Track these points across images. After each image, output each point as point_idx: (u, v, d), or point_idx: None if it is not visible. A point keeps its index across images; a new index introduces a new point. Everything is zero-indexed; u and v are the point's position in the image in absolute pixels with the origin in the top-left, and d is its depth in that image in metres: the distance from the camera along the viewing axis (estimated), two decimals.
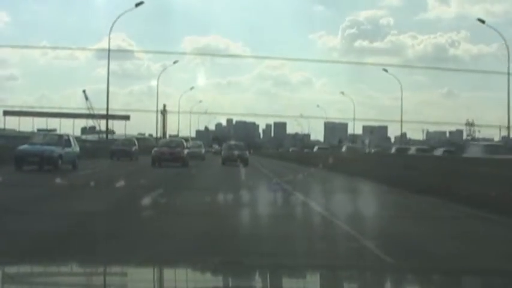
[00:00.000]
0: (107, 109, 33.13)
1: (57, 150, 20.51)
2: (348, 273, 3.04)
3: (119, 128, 78.60)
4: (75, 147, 22.34)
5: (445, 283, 2.79)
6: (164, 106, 74.17)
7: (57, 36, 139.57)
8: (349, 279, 2.89)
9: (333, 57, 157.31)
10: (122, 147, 35.66)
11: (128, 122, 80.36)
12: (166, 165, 25.77)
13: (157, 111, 51.83)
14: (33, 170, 19.70)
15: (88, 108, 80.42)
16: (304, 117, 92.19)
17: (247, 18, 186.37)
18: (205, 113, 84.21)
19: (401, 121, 48.76)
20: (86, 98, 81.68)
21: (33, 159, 20.01)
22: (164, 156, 26.99)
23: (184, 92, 70.53)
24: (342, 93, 68.27)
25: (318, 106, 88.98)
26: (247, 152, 34.69)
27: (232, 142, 40.09)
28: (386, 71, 54.04)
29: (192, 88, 64.96)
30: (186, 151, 29.05)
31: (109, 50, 33.22)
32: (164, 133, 74.47)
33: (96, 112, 79.99)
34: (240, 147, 35.17)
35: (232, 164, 29.92)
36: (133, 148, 35.71)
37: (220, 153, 53.37)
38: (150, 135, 68.61)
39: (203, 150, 41.91)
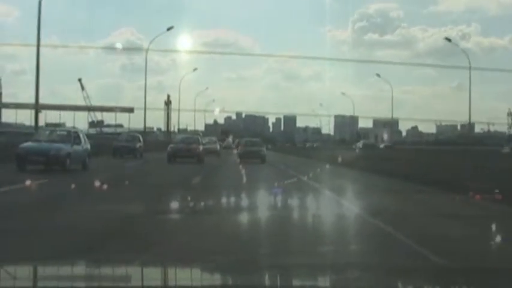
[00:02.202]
0: (36, 100, 29.95)
1: (65, 148, 18.26)
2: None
3: (132, 121, 75.73)
4: (86, 145, 20.02)
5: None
6: (168, 97, 71.10)
7: (66, 30, 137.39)
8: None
9: (343, 50, 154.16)
10: (125, 143, 33.15)
11: (137, 117, 77.54)
12: (180, 162, 25.73)
13: (145, 95, 47.79)
14: (36, 170, 17.40)
15: (84, 98, 77.56)
16: (317, 115, 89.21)
17: (256, 11, 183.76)
18: (212, 103, 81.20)
19: (470, 113, 45.41)
20: (82, 88, 78.61)
21: (37, 158, 17.74)
22: (180, 152, 27.22)
23: (187, 74, 65.70)
24: (378, 75, 62.96)
25: (343, 94, 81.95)
26: (264, 149, 33.57)
27: (249, 138, 39.14)
28: (449, 40, 50.11)
29: (195, 70, 60.84)
30: (201, 147, 28.99)
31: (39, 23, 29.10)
32: (168, 125, 71.77)
33: (93, 104, 77.31)
34: (257, 143, 34.21)
35: (249, 162, 28.93)
36: (138, 144, 33.24)
37: (230, 148, 52.19)
38: (159, 129, 65.67)
39: (218, 147, 41.07)
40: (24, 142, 18.65)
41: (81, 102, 78.06)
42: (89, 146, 20.24)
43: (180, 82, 64.27)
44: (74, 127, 37.39)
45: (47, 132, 20.26)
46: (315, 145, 77.26)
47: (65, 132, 20.20)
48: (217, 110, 74.44)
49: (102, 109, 78.07)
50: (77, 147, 18.96)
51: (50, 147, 17.93)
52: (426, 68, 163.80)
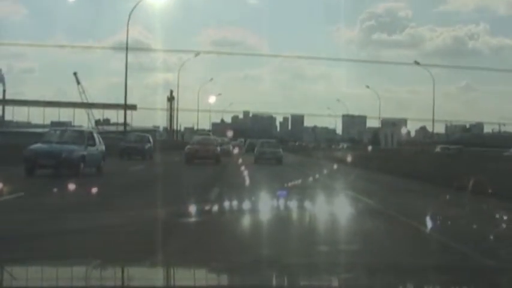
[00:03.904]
0: None
1: (79, 150, 16.67)
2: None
3: (136, 120, 73.76)
4: (100, 146, 18.40)
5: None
6: (171, 92, 68.74)
7: (73, 28, 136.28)
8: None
9: (351, 50, 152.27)
10: (134, 144, 31.09)
11: (141, 115, 75.30)
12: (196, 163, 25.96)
13: (125, 80, 45.38)
14: (46, 174, 15.91)
15: (80, 94, 74.88)
16: (330, 115, 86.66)
17: (263, 10, 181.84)
18: (218, 99, 79.11)
19: None
20: (78, 82, 75.62)
21: (48, 161, 16.13)
22: (198, 153, 27.29)
23: (188, 59, 61.79)
24: (417, 63, 56.08)
25: (367, 87, 72.52)
26: (281, 150, 33.42)
27: (266, 139, 39.59)
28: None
29: (197, 54, 57.63)
30: (219, 148, 29.24)
31: None
32: (171, 124, 69.77)
33: (94, 101, 75.21)
34: (273, 144, 34.62)
35: (267, 163, 29.31)
36: (147, 145, 31.36)
37: (239, 147, 51.13)
38: (165, 128, 63.79)
39: (231, 147, 40.49)
40: (34, 143, 17.02)
41: (77, 97, 75.78)
42: (103, 148, 18.64)
43: (180, 69, 61.65)
44: (80, 126, 35.68)
45: (58, 133, 18.54)
46: (345, 146, 72.67)
47: (78, 133, 18.57)
48: (213, 98, 70.98)
49: (103, 106, 76.08)
50: (91, 149, 17.40)
51: (61, 150, 16.35)
52: (434, 68, 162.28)
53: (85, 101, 75.17)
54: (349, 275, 2.83)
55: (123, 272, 2.91)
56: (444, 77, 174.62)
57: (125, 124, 40.51)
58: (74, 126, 57.28)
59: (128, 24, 37.40)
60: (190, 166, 24.45)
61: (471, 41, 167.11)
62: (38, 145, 16.86)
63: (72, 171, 15.98)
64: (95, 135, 18.69)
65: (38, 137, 18.64)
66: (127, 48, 36.92)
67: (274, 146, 34.06)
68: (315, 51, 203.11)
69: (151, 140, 32.94)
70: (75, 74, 75.54)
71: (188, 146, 28.86)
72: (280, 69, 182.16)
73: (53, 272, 2.84)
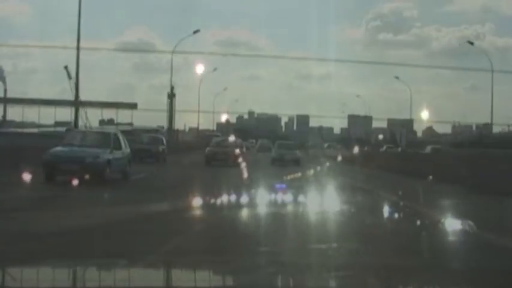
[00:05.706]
0: None
1: (104, 154, 15.53)
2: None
3: (138, 120, 72.06)
4: (126, 149, 17.24)
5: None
6: (172, 89, 66.68)
7: (76, 28, 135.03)
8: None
9: (356, 50, 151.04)
10: (147, 146, 29.80)
11: (150, 116, 73.49)
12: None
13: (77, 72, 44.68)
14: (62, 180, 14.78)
15: (71, 89, 72.13)
16: (340, 116, 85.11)
17: (268, 9, 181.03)
18: (223, 98, 77.73)
19: None
20: (69, 77, 72.42)
21: (70, 167, 14.87)
22: (218, 155, 28.32)
23: (188, 36, 57.93)
24: (470, 43, 52.48)
25: (396, 78, 65.69)
26: (298, 152, 33.59)
27: (282, 141, 39.79)
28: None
29: (196, 32, 54.46)
30: (237, 150, 29.10)
31: None
32: (172, 122, 68.05)
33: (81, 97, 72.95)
34: (290, 146, 34.71)
35: (283, 164, 29.06)
36: (161, 147, 30.22)
37: (249, 148, 50.40)
38: (169, 127, 62.10)
39: (244, 149, 39.99)
40: (55, 147, 15.80)
41: (69, 94, 73.62)
42: (129, 151, 17.48)
43: (174, 51, 58.93)
44: (88, 125, 34.30)
45: (80, 135, 17.31)
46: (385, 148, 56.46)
47: (102, 135, 17.29)
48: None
49: (103, 105, 74.41)
50: (117, 153, 16.25)
51: (85, 154, 15.20)
52: (439, 68, 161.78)
53: (77, 97, 72.98)
54: None
55: (123, 272, 2.92)
56: (451, 78, 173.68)
57: (75, 121, 37.21)
58: (74, 125, 55.75)
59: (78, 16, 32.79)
60: (211, 168, 24.88)
61: (477, 41, 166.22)
62: (59, 148, 15.69)
63: (97, 178, 14.79)
64: (120, 137, 17.45)
65: (38, 137, 17.51)
66: (78, 48, 32.55)
67: (292, 147, 34.03)
68: (320, 51, 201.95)
69: (164, 141, 31.85)
70: (65, 67, 72.45)
71: (208, 148, 29.48)
72: (285, 69, 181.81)
73: (53, 272, 2.85)
